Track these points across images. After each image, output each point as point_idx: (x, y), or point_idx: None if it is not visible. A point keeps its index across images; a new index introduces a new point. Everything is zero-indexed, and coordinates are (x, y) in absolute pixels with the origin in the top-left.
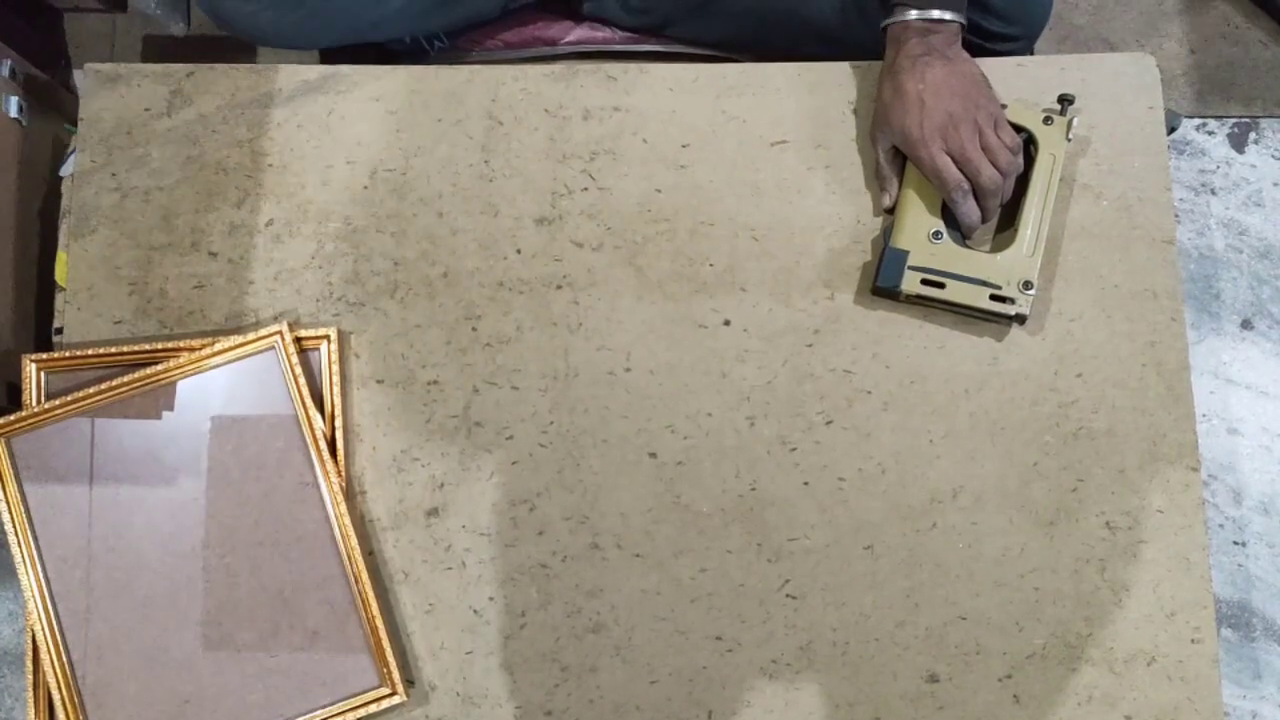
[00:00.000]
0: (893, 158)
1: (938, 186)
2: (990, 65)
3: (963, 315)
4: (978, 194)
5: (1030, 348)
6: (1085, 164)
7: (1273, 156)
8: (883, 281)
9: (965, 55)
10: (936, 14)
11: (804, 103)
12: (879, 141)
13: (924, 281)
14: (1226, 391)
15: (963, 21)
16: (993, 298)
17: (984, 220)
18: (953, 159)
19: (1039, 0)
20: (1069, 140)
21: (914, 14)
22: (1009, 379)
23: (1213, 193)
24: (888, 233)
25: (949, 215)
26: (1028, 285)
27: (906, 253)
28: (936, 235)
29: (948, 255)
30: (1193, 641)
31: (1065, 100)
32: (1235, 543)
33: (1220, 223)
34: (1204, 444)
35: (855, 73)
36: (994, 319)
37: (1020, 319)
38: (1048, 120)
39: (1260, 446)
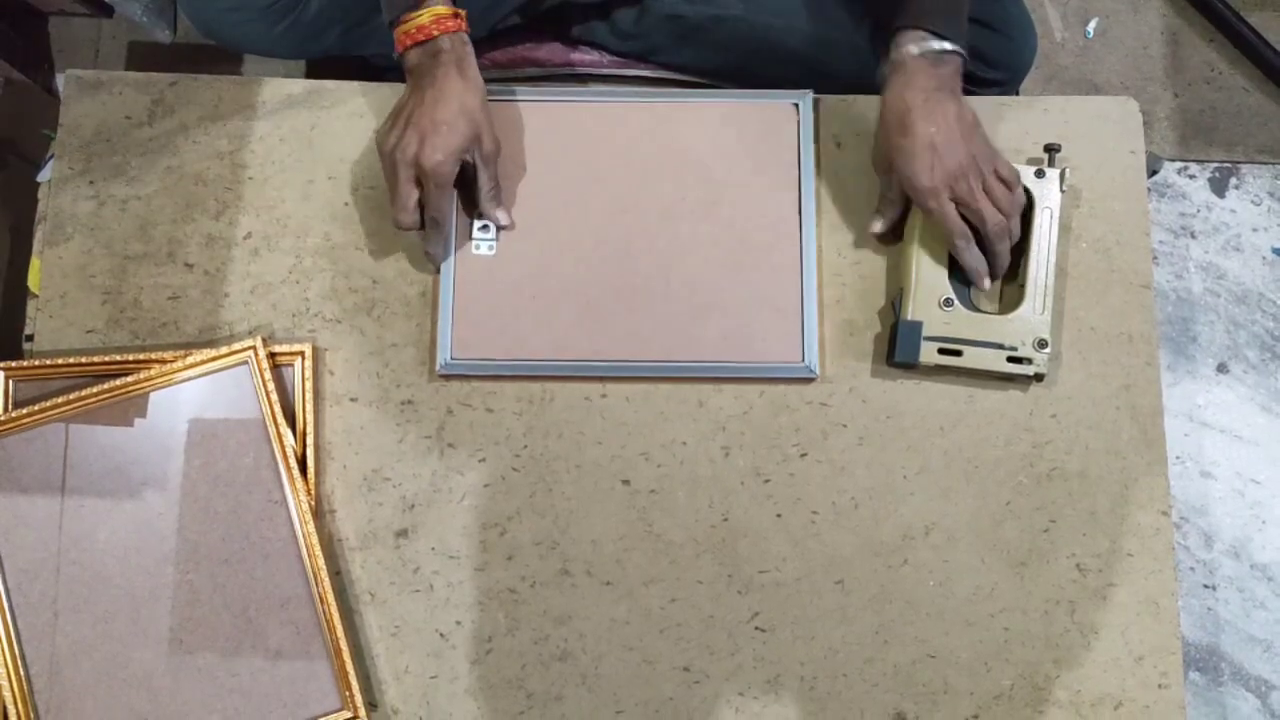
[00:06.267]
0: (900, 194)
1: (945, 235)
2: (974, 105)
3: (981, 378)
4: (985, 240)
5: (1006, 387)
6: (1065, 206)
7: (1252, 202)
8: (901, 357)
9: (963, 91)
10: (949, 46)
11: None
12: (885, 178)
13: (941, 351)
14: (1201, 434)
15: (965, 53)
16: (1010, 359)
17: (996, 268)
18: (958, 205)
19: (1024, 44)
20: (1063, 191)
21: (935, 43)
22: (984, 417)
23: (1192, 236)
24: (897, 304)
25: (957, 281)
26: (1042, 344)
27: (920, 324)
28: (948, 303)
29: (960, 321)
30: (1160, 686)
31: (1052, 150)
32: (1205, 586)
33: (1199, 266)
34: (1177, 486)
35: (840, 106)
36: (1013, 380)
37: (1039, 378)
38: (1039, 174)
39: (1233, 490)
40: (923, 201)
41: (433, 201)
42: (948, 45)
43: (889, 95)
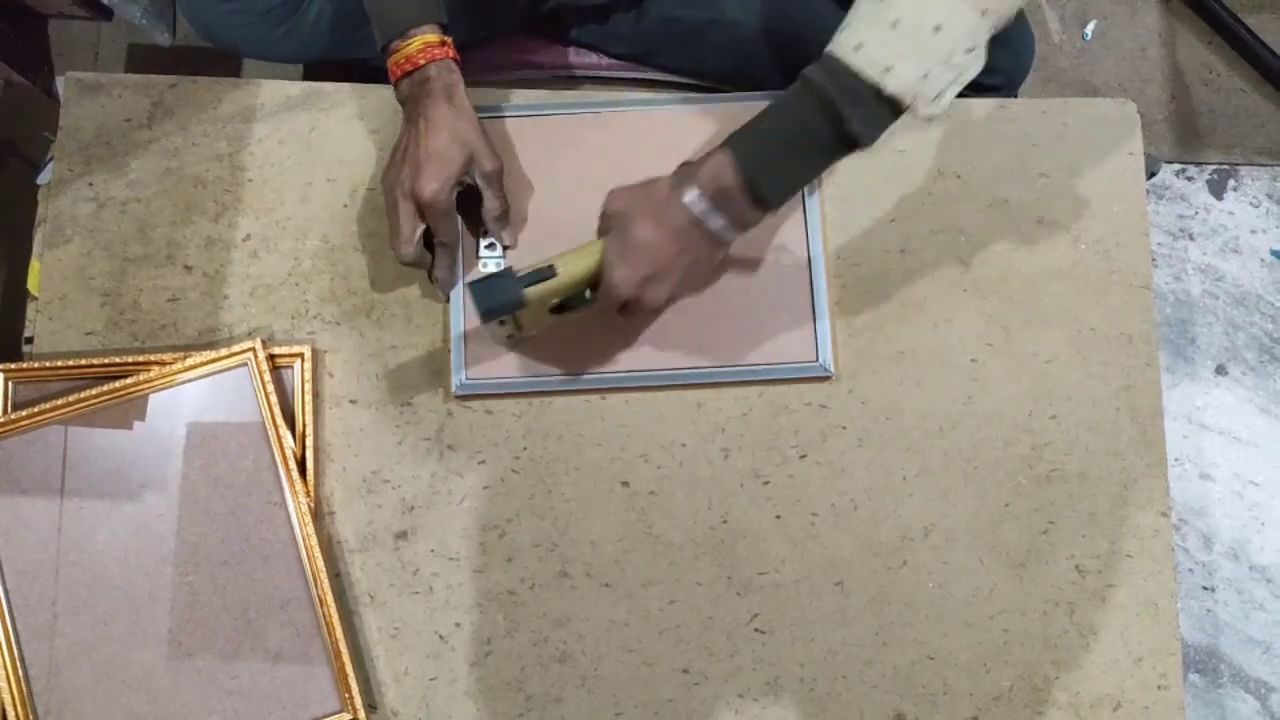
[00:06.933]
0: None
1: (606, 293)
2: (974, 107)
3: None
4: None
5: (1005, 388)
6: (1064, 207)
7: (1250, 204)
8: (490, 303)
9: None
10: (727, 231)
11: None
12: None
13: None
14: (1199, 436)
15: (733, 238)
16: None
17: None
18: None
19: (1022, 47)
20: None
21: (710, 215)
22: (983, 418)
23: (1190, 238)
24: (542, 275)
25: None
26: None
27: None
28: (559, 307)
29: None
30: (1159, 688)
31: None
32: (1204, 588)
33: (1197, 268)
34: (1176, 488)
35: None
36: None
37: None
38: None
39: (1232, 492)
40: (610, 288)
41: (439, 228)
42: (725, 227)
43: (672, 182)
